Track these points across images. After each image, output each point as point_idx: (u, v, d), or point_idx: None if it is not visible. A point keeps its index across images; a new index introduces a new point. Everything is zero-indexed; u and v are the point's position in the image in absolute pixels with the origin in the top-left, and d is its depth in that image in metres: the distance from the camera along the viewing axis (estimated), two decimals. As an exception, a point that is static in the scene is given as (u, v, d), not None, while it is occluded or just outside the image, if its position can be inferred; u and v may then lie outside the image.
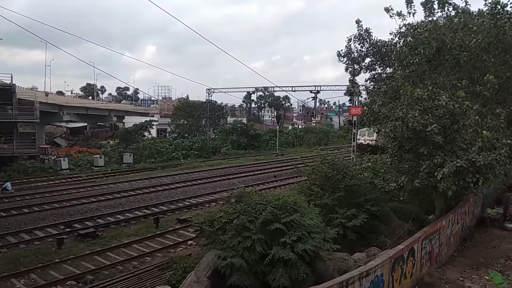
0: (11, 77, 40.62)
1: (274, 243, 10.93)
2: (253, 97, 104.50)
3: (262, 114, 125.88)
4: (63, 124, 75.56)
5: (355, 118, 28.02)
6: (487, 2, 15.78)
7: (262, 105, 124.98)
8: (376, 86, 18.39)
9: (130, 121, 71.00)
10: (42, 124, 55.29)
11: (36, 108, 41.94)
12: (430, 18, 16.54)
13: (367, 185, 15.63)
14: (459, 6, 16.72)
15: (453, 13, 16.82)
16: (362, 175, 15.96)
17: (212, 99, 70.44)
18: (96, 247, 16.29)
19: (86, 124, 75.49)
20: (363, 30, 19.28)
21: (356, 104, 28.33)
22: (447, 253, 15.27)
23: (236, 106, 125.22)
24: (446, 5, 16.75)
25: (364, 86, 23.32)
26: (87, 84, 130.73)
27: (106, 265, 14.40)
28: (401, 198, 17.44)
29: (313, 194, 15.35)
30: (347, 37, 19.86)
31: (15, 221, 19.50)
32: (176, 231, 18.64)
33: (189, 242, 16.81)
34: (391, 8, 16.58)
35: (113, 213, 21.54)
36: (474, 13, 16.16)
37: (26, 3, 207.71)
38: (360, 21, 19.26)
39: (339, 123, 77.45)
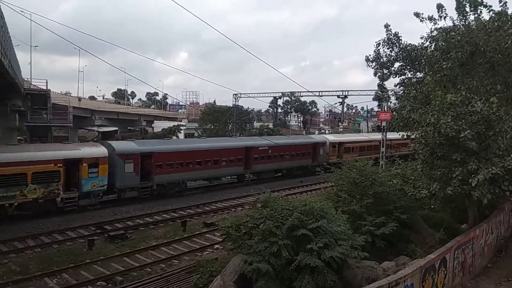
0: (46, 82, 42.26)
1: (300, 249, 10.85)
2: (279, 102, 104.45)
3: (288, 119, 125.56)
4: (95, 128, 77.74)
5: (384, 124, 27.52)
6: None
7: (289, 110, 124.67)
8: (405, 91, 18.04)
9: (159, 126, 72.52)
10: (75, 128, 57.13)
11: (70, 113, 43.37)
12: (462, 22, 16.11)
13: (396, 192, 15.25)
14: (491, 6, 16.19)
15: (486, 16, 16.30)
16: (391, 182, 15.59)
17: (239, 104, 71.14)
18: (125, 248, 16.64)
19: (117, 128, 77.41)
20: (392, 34, 19.03)
21: (385, 109, 27.83)
22: (481, 264, 14.73)
23: (262, 111, 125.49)
24: (479, 7, 16.26)
25: (393, 91, 22.98)
26: (118, 89, 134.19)
27: (135, 267, 14.70)
28: (432, 206, 16.95)
29: (341, 200, 15.14)
30: (376, 42, 19.68)
31: (49, 222, 20.15)
32: (203, 234, 18.81)
33: (216, 246, 16.93)
34: (421, 13, 16.31)
35: (142, 215, 21.97)
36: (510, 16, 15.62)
37: (69, 12, 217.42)
38: (389, 25, 19.05)
39: (367, 129, 76.24)
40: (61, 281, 13.54)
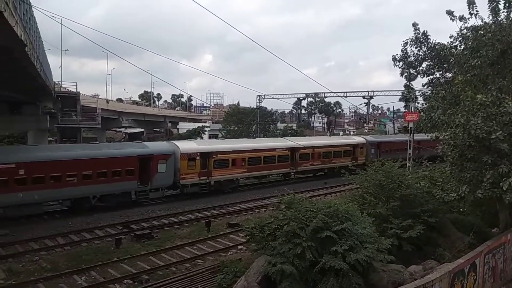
0: (76, 85, 43.78)
1: (324, 251, 10.77)
2: (303, 103, 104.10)
3: (312, 120, 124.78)
4: (122, 129, 79.64)
5: (411, 125, 26.95)
6: None
7: (313, 111, 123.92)
8: (434, 91, 17.60)
9: (184, 127, 73.59)
10: (103, 129, 58.65)
11: (98, 114, 44.62)
12: (494, 20, 15.59)
13: (424, 194, 14.91)
14: None
15: None
16: (419, 184, 15.23)
17: (263, 106, 71.35)
18: (151, 248, 16.93)
19: (143, 129, 79.00)
20: (420, 33, 18.61)
21: (412, 110, 27.24)
22: (513, 270, 14.21)
23: (286, 112, 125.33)
24: None
25: (420, 92, 22.47)
26: (144, 91, 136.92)
27: (160, 266, 14.94)
28: (461, 210, 16.48)
29: (366, 202, 14.92)
30: (403, 41, 19.29)
31: (78, 221, 20.72)
32: (226, 235, 18.93)
33: (240, 246, 17.00)
34: (453, 11, 15.92)
35: (167, 215, 22.29)
36: None
37: (98, 16, 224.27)
38: (417, 24, 18.64)
39: (394, 130, 74.84)
40: (89, 279, 13.91)
